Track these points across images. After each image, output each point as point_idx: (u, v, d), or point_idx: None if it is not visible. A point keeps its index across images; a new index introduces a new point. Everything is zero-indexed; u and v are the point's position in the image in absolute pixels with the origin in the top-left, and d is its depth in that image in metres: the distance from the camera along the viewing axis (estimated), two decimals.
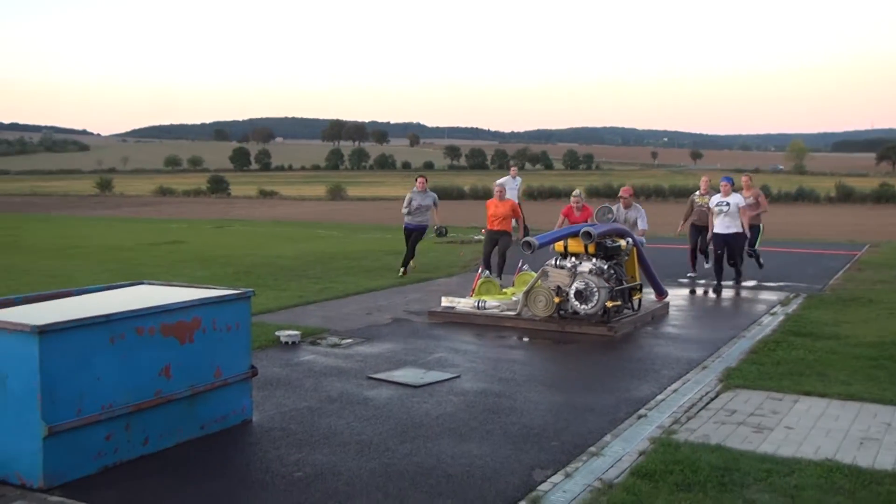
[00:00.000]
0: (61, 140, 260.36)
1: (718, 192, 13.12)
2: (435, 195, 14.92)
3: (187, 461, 5.28)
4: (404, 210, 14.47)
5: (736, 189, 13.18)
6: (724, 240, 12.83)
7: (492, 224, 13.41)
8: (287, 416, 6.26)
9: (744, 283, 13.45)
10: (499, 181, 21.72)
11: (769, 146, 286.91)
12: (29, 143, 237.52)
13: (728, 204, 12.66)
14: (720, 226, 12.74)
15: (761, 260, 14.33)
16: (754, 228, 13.72)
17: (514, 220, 14.37)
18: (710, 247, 13.43)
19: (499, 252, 13.06)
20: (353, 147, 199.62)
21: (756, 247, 14.01)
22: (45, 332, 4.68)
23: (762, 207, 14.13)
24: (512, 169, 21.74)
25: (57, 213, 41.31)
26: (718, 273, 12.92)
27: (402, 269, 14.50)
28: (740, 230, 12.73)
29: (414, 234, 14.48)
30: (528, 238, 10.24)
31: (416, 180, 14.92)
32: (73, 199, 60.71)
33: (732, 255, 12.94)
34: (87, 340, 4.93)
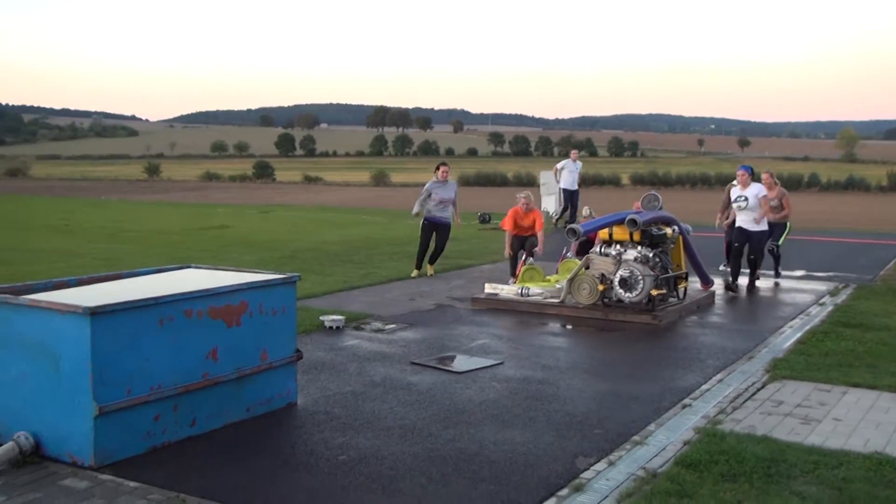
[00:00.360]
0: (111, 125, 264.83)
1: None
2: (456, 186, 13.16)
3: (234, 442, 5.35)
4: (416, 209, 12.72)
5: (756, 180, 12.22)
6: (747, 235, 11.80)
7: (518, 233, 11.93)
8: (331, 400, 6.31)
9: (779, 277, 12.86)
10: (559, 164, 21.52)
11: (819, 133, 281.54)
12: (80, 128, 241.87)
13: (746, 199, 11.69)
14: (743, 219, 11.83)
15: (780, 267, 12.99)
16: (780, 226, 12.75)
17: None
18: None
19: (526, 249, 11.79)
20: (397, 133, 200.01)
21: (780, 243, 12.81)
22: (97, 314, 4.77)
23: (786, 211, 12.88)
24: (573, 152, 21.71)
25: (106, 197, 42.03)
26: (735, 268, 12.04)
27: (416, 271, 12.80)
28: (765, 228, 11.89)
29: (441, 232, 12.78)
30: (573, 225, 10.16)
31: (438, 169, 12.78)
32: (123, 183, 61.69)
33: (752, 251, 11.90)
34: (137, 322, 5.01)
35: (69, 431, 4.88)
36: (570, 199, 21.14)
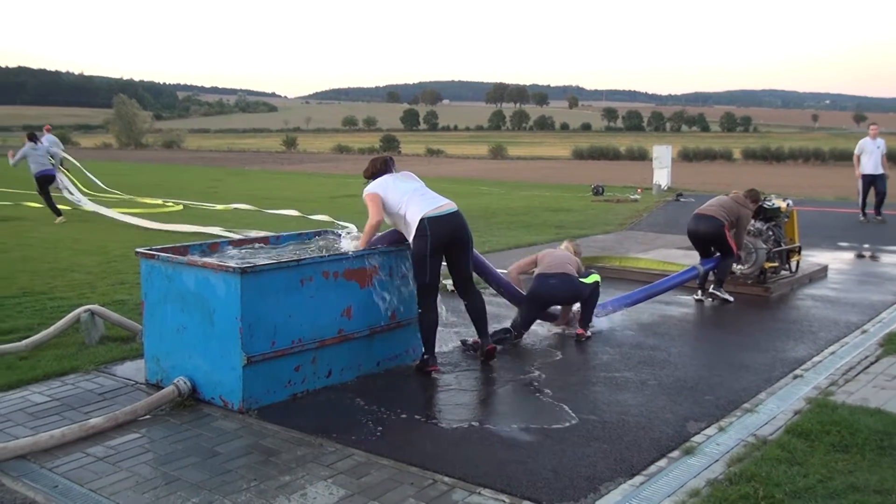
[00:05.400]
0: (254, 102, 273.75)
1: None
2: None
3: (365, 394, 5.48)
4: None
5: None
6: None
7: None
8: (452, 357, 6.37)
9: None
10: (857, 149, 16.52)
11: None
12: (226, 104, 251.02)
13: None
14: None
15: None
16: None
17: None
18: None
19: None
20: (514, 109, 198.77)
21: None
22: (247, 273, 4.96)
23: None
24: (872, 128, 16.52)
25: (249, 167, 43.47)
26: None
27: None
28: None
29: None
30: None
31: None
32: (263, 154, 63.64)
33: None
34: (281, 281, 5.18)
35: (221, 378, 5.11)
36: (875, 184, 16.18)
